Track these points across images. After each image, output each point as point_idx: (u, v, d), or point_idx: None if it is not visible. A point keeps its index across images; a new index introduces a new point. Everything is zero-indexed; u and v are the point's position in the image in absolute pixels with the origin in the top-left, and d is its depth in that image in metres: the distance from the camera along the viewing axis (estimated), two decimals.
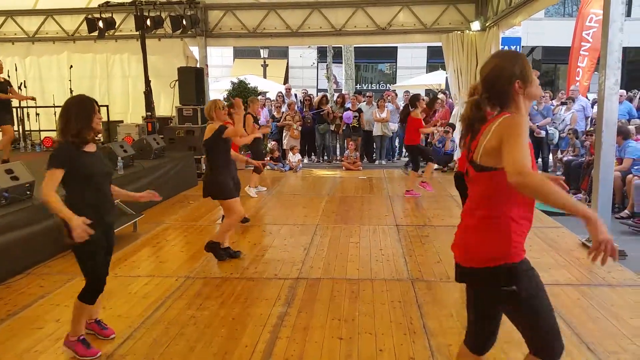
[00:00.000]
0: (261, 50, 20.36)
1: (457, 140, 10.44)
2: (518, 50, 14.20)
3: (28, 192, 5.11)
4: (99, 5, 10.06)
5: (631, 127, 8.48)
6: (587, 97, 12.23)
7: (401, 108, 11.97)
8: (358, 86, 22.99)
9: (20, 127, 10.81)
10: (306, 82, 22.91)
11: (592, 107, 11.04)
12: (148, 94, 9.90)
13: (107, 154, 6.94)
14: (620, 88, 6.03)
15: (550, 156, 11.24)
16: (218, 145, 4.94)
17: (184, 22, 10.08)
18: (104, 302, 3.84)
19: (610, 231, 1.89)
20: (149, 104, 9.91)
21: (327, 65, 20.94)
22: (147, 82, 9.86)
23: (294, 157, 11.49)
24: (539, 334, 2.11)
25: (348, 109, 12.25)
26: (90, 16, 10.31)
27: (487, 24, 10.25)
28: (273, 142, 11.96)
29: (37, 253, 4.90)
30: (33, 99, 9.49)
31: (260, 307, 4.02)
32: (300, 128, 12.18)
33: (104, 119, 10.58)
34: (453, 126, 11.00)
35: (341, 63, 20.22)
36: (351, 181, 9.98)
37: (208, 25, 11.48)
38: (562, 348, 2.13)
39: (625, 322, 3.67)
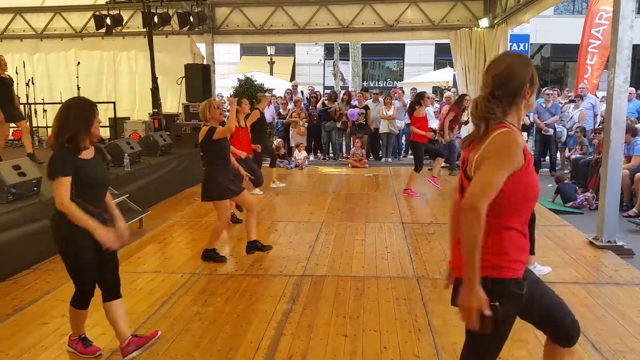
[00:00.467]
0: (268, 47, 20.31)
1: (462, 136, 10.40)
2: (527, 47, 14.10)
3: (35, 188, 5.14)
4: (106, 2, 10.11)
5: (639, 126, 8.40)
6: (596, 95, 12.13)
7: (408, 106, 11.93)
8: (365, 83, 22.91)
9: (28, 123, 10.87)
10: (313, 80, 22.83)
11: (601, 105, 10.96)
12: (155, 90, 9.93)
13: (113, 150, 6.98)
14: (630, 86, 5.98)
15: (558, 154, 11.17)
16: (212, 146, 4.89)
17: (191, 19, 10.09)
18: None
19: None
20: (156, 101, 9.94)
21: (334, 62, 20.89)
22: (154, 79, 9.88)
23: (300, 155, 11.48)
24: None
25: (355, 106, 12.22)
26: (97, 13, 10.35)
27: (495, 21, 10.18)
28: (279, 139, 11.95)
29: (43, 249, 4.92)
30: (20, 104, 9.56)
31: (265, 303, 4.02)
32: (306, 125, 12.17)
33: (111, 115, 10.64)
34: (460, 123, 10.92)
35: (348, 60, 20.16)
36: (357, 179, 9.97)
37: (215, 22, 11.49)
38: None
39: (632, 321, 3.64)
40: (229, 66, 22.59)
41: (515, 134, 1.93)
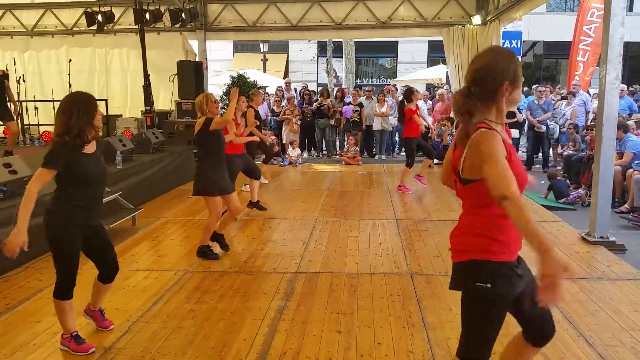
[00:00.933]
0: (261, 45, 20.27)
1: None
2: (519, 44, 14.13)
3: (26, 187, 5.09)
4: None
5: (630, 122, 8.45)
6: (588, 92, 12.20)
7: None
8: (358, 80, 22.92)
9: (19, 121, 10.79)
10: (306, 77, 22.81)
11: (593, 102, 11.02)
12: (147, 88, 9.88)
13: (106, 148, 6.93)
14: (622, 83, 6.01)
15: (551, 151, 11.23)
16: (209, 138, 4.82)
17: (183, 15, 10.05)
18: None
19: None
20: (148, 98, 9.89)
21: (327, 59, 20.87)
22: (146, 76, 9.83)
23: (293, 152, 11.47)
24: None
25: (348, 103, 12.22)
26: (89, 10, 10.30)
27: (488, 18, 10.21)
28: (272, 137, 11.92)
29: (35, 247, 4.87)
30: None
31: (259, 300, 4.01)
32: (299, 122, 12.16)
33: (103, 112, 10.57)
34: (452, 120, 10.97)
35: (341, 57, 20.16)
36: (351, 176, 9.97)
37: (207, 18, 11.45)
38: None
39: (624, 316, 3.67)
40: (222, 63, 22.53)
41: (490, 133, 1.94)
